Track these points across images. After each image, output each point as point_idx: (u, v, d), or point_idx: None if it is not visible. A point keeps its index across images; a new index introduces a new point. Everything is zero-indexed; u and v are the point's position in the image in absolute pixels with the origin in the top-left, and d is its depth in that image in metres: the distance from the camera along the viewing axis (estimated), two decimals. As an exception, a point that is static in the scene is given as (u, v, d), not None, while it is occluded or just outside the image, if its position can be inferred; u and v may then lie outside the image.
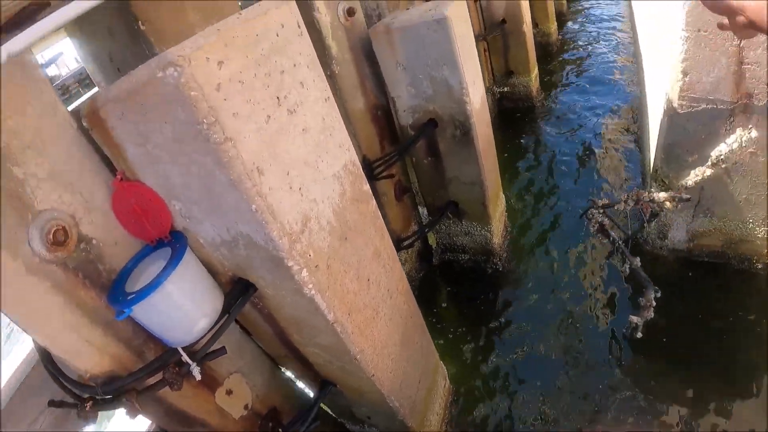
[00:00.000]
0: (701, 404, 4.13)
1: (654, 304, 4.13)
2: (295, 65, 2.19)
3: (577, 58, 11.20)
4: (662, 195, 4.19)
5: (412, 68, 4.32)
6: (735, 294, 4.84)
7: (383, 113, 4.68)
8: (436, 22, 4.01)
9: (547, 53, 11.10)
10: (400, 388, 3.27)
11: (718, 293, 4.79)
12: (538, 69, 9.48)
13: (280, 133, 2.05)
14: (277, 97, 2.07)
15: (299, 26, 2.28)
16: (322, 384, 3.26)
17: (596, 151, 7.77)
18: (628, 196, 4.41)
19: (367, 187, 2.73)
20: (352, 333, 2.57)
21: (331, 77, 4.00)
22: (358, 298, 2.64)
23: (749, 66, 3.96)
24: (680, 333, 4.55)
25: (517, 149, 8.36)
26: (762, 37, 3.82)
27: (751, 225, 4.89)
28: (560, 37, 11.85)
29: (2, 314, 1.88)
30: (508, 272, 5.83)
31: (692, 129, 4.40)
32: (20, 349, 2.74)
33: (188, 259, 2.20)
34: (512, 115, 9.22)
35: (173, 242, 2.23)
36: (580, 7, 14.77)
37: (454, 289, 5.87)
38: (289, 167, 2.10)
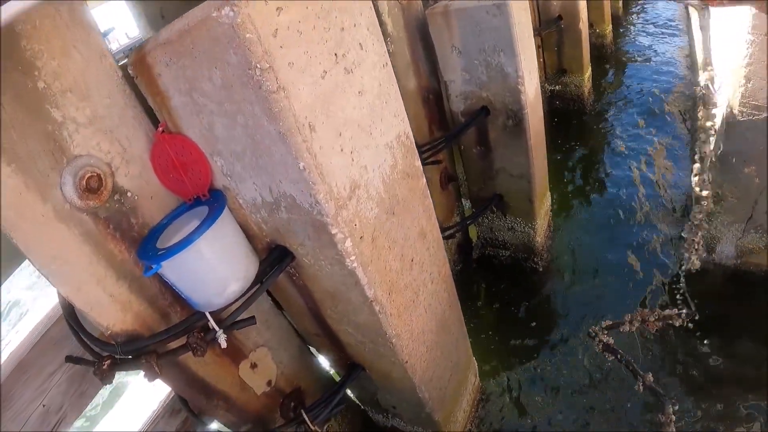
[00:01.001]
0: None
1: (674, 418, 3.93)
2: (355, 25, 2.07)
3: (632, 62, 10.96)
4: (667, 312, 3.99)
5: (468, 53, 4.18)
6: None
7: (434, 97, 4.54)
8: (496, 7, 3.87)
9: (601, 54, 10.86)
10: (431, 379, 3.14)
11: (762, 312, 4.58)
12: (592, 70, 9.28)
13: (335, 91, 1.93)
14: (335, 54, 1.94)
15: (361, -14, 2.16)
16: (351, 367, 3.15)
17: (645, 157, 7.55)
18: (632, 316, 4.21)
19: (418, 162, 2.60)
20: (390, 314, 2.44)
21: (385, 55, 3.89)
22: (400, 277, 2.51)
23: None
24: (720, 351, 4.38)
25: (565, 149, 8.18)
26: None
27: None
28: (615, 39, 11.60)
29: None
30: (548, 273, 5.68)
31: (752, 138, 4.19)
32: (44, 302, 2.68)
33: (225, 220, 2.10)
34: (562, 115, 9.03)
35: (211, 201, 2.13)
36: (635, 10, 14.51)
37: (491, 284, 5.73)
38: (342, 128, 1.97)
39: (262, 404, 2.96)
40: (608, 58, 10.94)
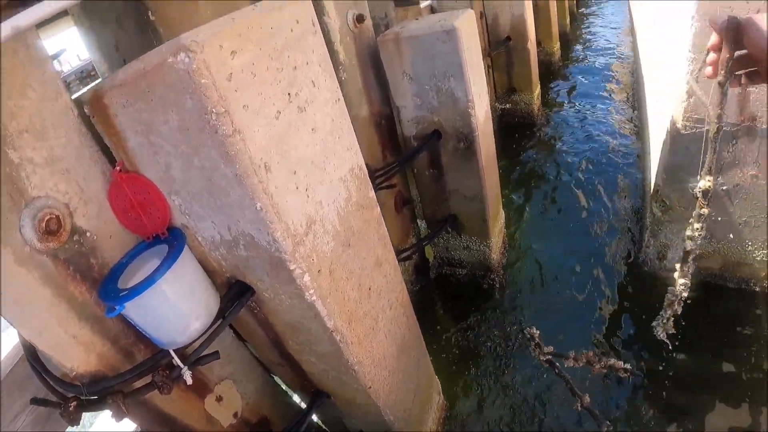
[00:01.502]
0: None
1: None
2: (308, 63, 2.13)
3: (580, 78, 11.27)
4: (613, 362, 4.08)
5: (419, 78, 4.28)
6: (733, 315, 4.84)
7: (386, 122, 4.62)
8: (445, 33, 3.98)
9: (549, 72, 11.17)
10: (395, 402, 3.19)
11: (715, 314, 4.75)
12: (541, 87, 9.52)
13: (289, 130, 1.98)
14: (288, 93, 2.00)
15: (313, 24, 2.23)
16: (315, 394, 3.17)
17: (596, 170, 7.78)
18: (576, 355, 4.30)
19: (372, 193, 2.66)
20: (351, 343, 2.49)
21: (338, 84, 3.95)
22: (359, 307, 2.56)
23: (754, 89, 3.96)
24: (679, 355, 4.52)
25: (517, 166, 8.35)
26: None
27: (750, 248, 4.89)
28: (563, 56, 11.92)
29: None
30: (506, 288, 5.78)
31: (695, 150, 4.36)
32: (6, 341, 2.65)
33: (185, 258, 2.11)
34: (513, 132, 9.23)
35: (170, 239, 2.14)
36: (583, 28, 14.92)
37: (450, 303, 5.81)
38: (297, 166, 2.02)
39: (231, 438, 2.97)
40: (557, 74, 11.24)
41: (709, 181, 2.22)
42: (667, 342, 2.75)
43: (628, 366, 3.94)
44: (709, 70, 1.49)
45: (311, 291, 2.13)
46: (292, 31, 2.04)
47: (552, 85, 11.07)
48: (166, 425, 2.56)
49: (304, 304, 2.19)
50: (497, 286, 5.73)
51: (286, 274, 2.07)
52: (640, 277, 5.52)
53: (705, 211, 2.36)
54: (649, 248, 5.35)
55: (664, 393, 4.37)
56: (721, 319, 4.79)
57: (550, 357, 4.24)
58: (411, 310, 3.38)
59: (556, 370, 4.26)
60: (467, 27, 4.19)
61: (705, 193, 2.27)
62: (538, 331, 4.36)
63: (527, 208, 7.25)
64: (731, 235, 4.81)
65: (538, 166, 8.31)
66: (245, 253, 2.12)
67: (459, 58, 4.05)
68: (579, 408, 4.07)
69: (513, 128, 9.32)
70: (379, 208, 2.74)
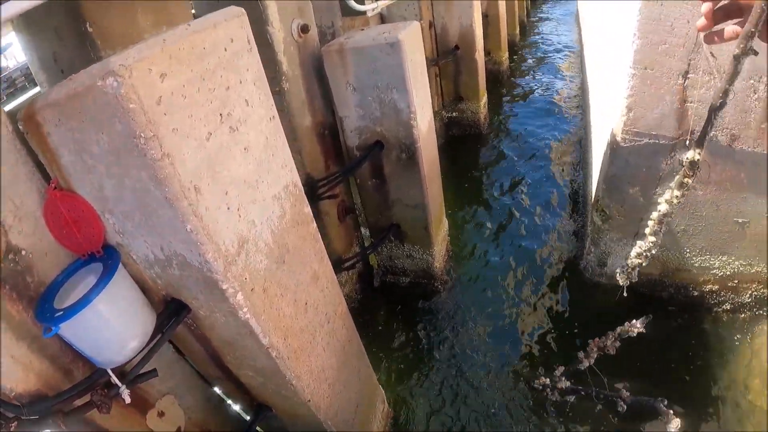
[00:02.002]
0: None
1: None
2: (241, 81, 2.15)
3: (527, 88, 11.48)
4: (620, 329, 4.19)
5: (362, 89, 4.33)
6: (672, 320, 5.03)
7: (330, 132, 4.66)
8: (389, 46, 4.04)
9: (497, 81, 11.34)
10: (336, 414, 3.22)
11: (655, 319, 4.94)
12: (488, 96, 9.67)
13: (220, 151, 2.00)
14: (220, 114, 2.02)
15: (249, 42, 2.25)
16: (258, 408, 3.19)
17: (540, 180, 7.94)
18: (586, 353, 4.38)
19: (308, 209, 2.69)
20: (288, 358, 2.52)
21: (280, 93, 3.96)
22: (295, 322, 2.59)
23: (692, 104, 4.10)
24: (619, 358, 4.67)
25: (462, 175, 8.46)
26: (706, 77, 3.94)
27: (688, 254, 5.06)
28: (511, 66, 12.12)
29: None
30: (449, 296, 5.86)
31: (634, 162, 4.53)
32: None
33: (120, 277, 2.10)
34: (459, 141, 9.36)
35: (105, 258, 2.14)
36: (533, 39, 15.20)
37: (394, 311, 5.86)
38: (228, 187, 2.05)
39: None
40: (504, 84, 11.42)
41: (698, 153, 2.31)
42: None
43: (638, 323, 4.07)
44: (702, 21, 1.39)
45: (245, 309, 2.15)
46: (226, 50, 2.06)
47: (500, 94, 11.25)
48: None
49: (239, 321, 2.21)
50: (441, 293, 5.81)
51: (219, 293, 2.09)
52: (581, 284, 5.67)
53: (688, 180, 2.46)
54: (590, 255, 5.49)
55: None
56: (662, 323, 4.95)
57: (570, 387, 4.37)
58: (350, 321, 3.42)
59: (582, 392, 4.37)
60: (412, 39, 4.26)
61: (692, 163, 2.36)
62: (547, 379, 4.47)
63: (471, 217, 7.37)
64: (669, 243, 4.97)
65: (484, 175, 8.46)
66: (179, 272, 2.13)
67: (402, 71, 4.11)
68: (624, 407, 4.18)
69: (459, 137, 9.46)
70: (315, 224, 2.77)
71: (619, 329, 4.17)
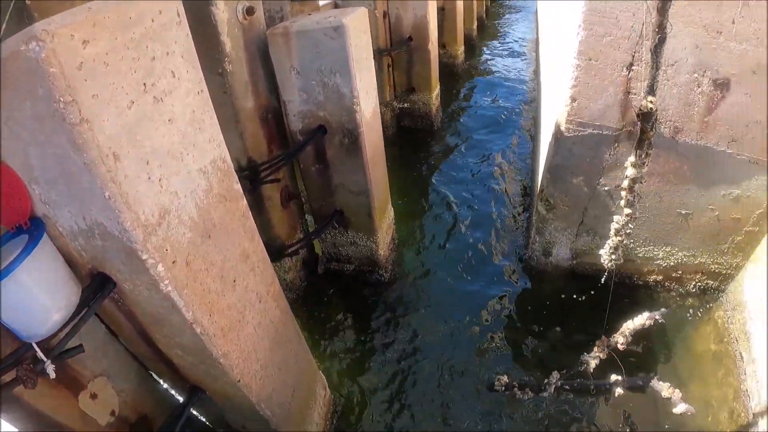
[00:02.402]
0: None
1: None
2: (168, 53, 2.15)
3: (482, 82, 11.63)
4: (632, 325, 4.12)
5: (306, 73, 4.34)
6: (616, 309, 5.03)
7: (273, 116, 4.66)
8: (333, 29, 4.07)
9: (452, 74, 11.46)
10: (271, 396, 3.23)
11: (598, 308, 5.04)
12: (443, 89, 9.77)
13: (142, 121, 2.00)
14: (144, 84, 2.01)
15: (179, 15, 2.24)
16: (192, 390, 3.16)
17: (489, 171, 8.07)
18: (599, 347, 4.29)
19: (237, 186, 2.69)
20: (214, 335, 2.52)
21: (222, 75, 3.96)
22: (222, 299, 2.59)
23: (635, 96, 4.19)
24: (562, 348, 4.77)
25: (411, 165, 8.55)
26: (648, 69, 4.05)
27: (632, 245, 5.20)
28: (467, 60, 12.24)
29: None
30: (394, 284, 5.93)
31: (578, 152, 4.63)
32: None
33: (44, 248, 2.10)
34: (410, 132, 9.45)
35: (32, 229, 2.12)
36: (491, 34, 15.36)
37: (338, 299, 5.89)
38: (150, 157, 2.04)
39: (109, 437, 2.92)
40: (459, 77, 11.54)
41: (650, 101, 2.36)
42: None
43: (657, 315, 4.10)
44: None
45: (166, 282, 2.15)
46: (153, 21, 2.05)
47: (454, 87, 11.38)
48: (41, 424, 2.51)
49: (161, 294, 2.20)
50: (385, 281, 5.85)
51: (139, 264, 2.08)
52: (526, 273, 5.79)
53: (650, 135, 2.51)
54: (535, 245, 5.60)
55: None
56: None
57: (561, 384, 4.40)
58: (285, 303, 3.42)
59: (577, 385, 4.42)
60: (357, 24, 4.29)
61: (645, 114, 2.41)
62: (504, 376, 4.51)
63: (419, 207, 7.46)
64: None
65: (433, 166, 8.55)
66: (101, 243, 2.12)
67: (346, 55, 4.14)
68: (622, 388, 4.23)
69: (410, 128, 9.54)
70: (245, 201, 2.77)
71: (632, 324, 4.12)
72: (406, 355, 5.10)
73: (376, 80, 7.78)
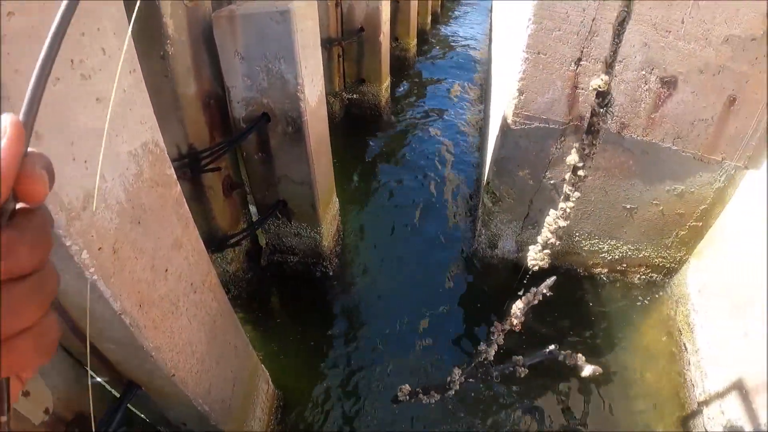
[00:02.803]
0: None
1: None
2: (99, 29, 2.06)
3: (433, 75, 11.73)
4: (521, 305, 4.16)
5: (250, 58, 4.26)
6: (559, 297, 5.16)
7: (216, 103, 4.56)
8: (279, 14, 4.00)
9: (404, 67, 11.53)
10: (209, 391, 3.17)
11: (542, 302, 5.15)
12: (394, 81, 9.84)
13: (68, 98, 1.90)
14: (71, 60, 1.93)
15: (110, -10, 2.16)
16: (127, 386, 3.05)
17: (437, 163, 8.14)
18: (500, 326, 4.29)
19: (171, 171, 2.61)
20: (145, 327, 2.44)
21: (164, 58, 3.84)
22: (153, 289, 2.51)
23: (583, 91, 4.28)
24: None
25: (359, 157, 8.55)
26: (598, 65, 4.14)
27: (577, 238, 5.35)
28: (420, 53, 12.33)
29: None
30: (339, 277, 5.91)
31: (524, 145, 4.69)
32: None
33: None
34: (359, 123, 9.45)
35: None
36: (444, 29, 15.50)
37: (282, 291, 5.86)
38: (75, 137, 1.94)
39: (44, 437, 2.81)
40: (410, 70, 11.65)
41: (604, 80, 2.35)
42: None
43: (543, 288, 4.11)
44: None
45: (91, 270, 2.07)
46: (82, -6, 1.98)
47: (405, 79, 11.45)
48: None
49: (86, 283, 2.11)
50: (330, 274, 5.83)
51: (63, 251, 1.99)
52: (473, 266, 5.84)
53: (603, 112, 2.50)
54: (481, 237, 5.66)
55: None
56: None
57: (465, 378, 4.40)
58: (223, 295, 3.35)
59: (480, 376, 4.42)
60: (305, 9, 4.22)
61: (599, 93, 2.39)
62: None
63: (366, 200, 7.45)
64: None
65: (382, 157, 8.58)
66: (24, 230, 2.02)
67: (291, 41, 4.07)
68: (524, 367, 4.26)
69: (360, 119, 9.53)
70: (179, 188, 2.69)
71: (520, 304, 4.13)
72: (351, 351, 5.09)
73: (326, 70, 7.80)
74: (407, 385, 4.42)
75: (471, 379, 4.46)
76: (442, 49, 13.78)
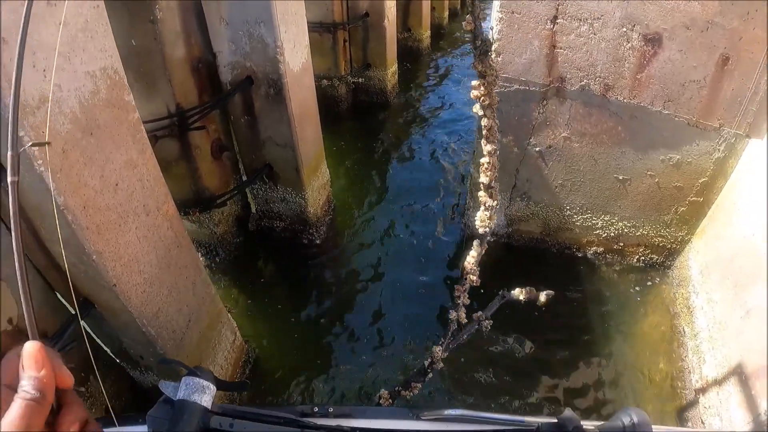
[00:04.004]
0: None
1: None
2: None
3: (444, 67, 12.16)
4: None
5: (234, 24, 4.68)
6: (554, 279, 5.37)
7: (205, 67, 4.99)
8: (259, -21, 4.34)
9: (415, 57, 12.11)
10: (157, 315, 3.49)
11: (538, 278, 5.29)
12: (405, 69, 10.45)
13: (33, 17, 2.30)
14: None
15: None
16: (82, 303, 3.38)
17: (440, 147, 8.69)
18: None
19: (130, 98, 3.00)
20: (87, 228, 2.80)
21: (153, 22, 4.30)
22: (100, 197, 2.88)
23: (562, 50, 4.43)
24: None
25: (364, 138, 9.10)
26: (575, 23, 4.26)
27: (568, 212, 5.42)
28: (433, 45, 12.77)
29: None
30: (326, 246, 6.33)
31: (505, 110, 4.84)
32: None
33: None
34: (366, 106, 10.01)
35: None
36: (462, 24, 15.95)
37: (268, 257, 6.29)
38: (37, 48, 2.36)
39: (5, 345, 3.05)
40: (422, 60, 12.11)
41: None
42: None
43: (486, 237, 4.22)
44: None
45: (39, 161, 2.45)
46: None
47: (416, 68, 11.98)
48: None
49: (35, 175, 2.50)
50: (317, 242, 6.23)
51: (19, 143, 2.43)
52: (464, 243, 6.19)
53: (477, 54, 2.79)
54: (470, 210, 5.86)
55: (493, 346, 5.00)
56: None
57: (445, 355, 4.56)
58: (182, 228, 3.72)
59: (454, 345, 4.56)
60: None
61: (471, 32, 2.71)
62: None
63: (364, 176, 7.95)
64: (547, 198, 5.30)
65: (386, 141, 9.10)
66: (-10, 124, 2.37)
67: (269, 5, 4.48)
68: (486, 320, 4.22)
69: (366, 102, 10.07)
70: (138, 115, 3.08)
71: (471, 258, 3.95)
72: (333, 320, 5.44)
73: (331, 54, 8.35)
74: (386, 391, 4.59)
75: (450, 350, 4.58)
76: (458, 42, 14.18)
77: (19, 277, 1.05)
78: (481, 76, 2.72)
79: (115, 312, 3.36)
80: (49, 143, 2.56)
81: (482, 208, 3.60)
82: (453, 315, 4.08)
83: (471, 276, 3.94)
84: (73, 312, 3.48)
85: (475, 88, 2.88)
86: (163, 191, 3.47)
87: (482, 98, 2.88)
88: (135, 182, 3.17)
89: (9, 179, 1.11)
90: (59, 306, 3.51)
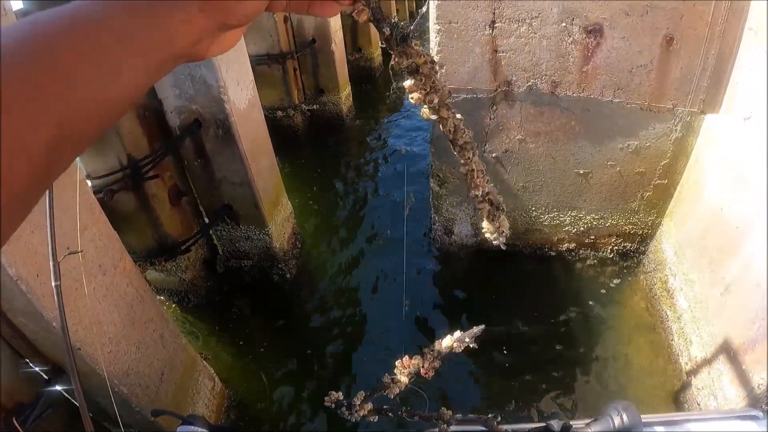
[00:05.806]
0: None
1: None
2: None
3: (397, 84, 12.20)
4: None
5: (175, 68, 4.68)
6: (529, 282, 5.47)
7: (153, 115, 4.99)
8: (193, 20, 4.42)
9: (369, 77, 12.14)
10: (127, 373, 3.47)
11: (511, 283, 5.36)
12: (358, 90, 10.44)
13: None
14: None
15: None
16: (53, 369, 3.33)
17: (397, 163, 8.84)
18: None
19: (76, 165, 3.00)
20: (42, 296, 2.78)
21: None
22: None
23: (504, 54, 4.45)
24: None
25: (322, 164, 9.12)
26: (514, 25, 4.27)
27: (534, 213, 5.40)
28: (385, 62, 12.87)
29: None
30: (297, 280, 6.28)
31: (458, 122, 4.86)
32: None
33: None
34: (322, 132, 9.99)
35: None
36: (414, 38, 16.15)
37: (240, 298, 6.22)
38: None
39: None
40: (375, 79, 12.14)
41: (363, 11, 2.70)
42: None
43: (467, 337, 4.11)
44: None
45: None
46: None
47: (369, 88, 12.05)
48: None
49: None
50: (288, 277, 6.19)
51: None
52: (433, 256, 6.17)
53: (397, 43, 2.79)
54: (436, 225, 5.85)
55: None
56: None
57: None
58: (142, 283, 3.71)
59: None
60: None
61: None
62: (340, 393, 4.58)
63: (329, 204, 7.95)
64: (512, 203, 5.28)
65: (345, 164, 9.17)
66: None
67: (206, 45, 4.49)
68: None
69: (323, 127, 10.04)
70: (81, 175, 3.05)
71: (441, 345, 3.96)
72: (307, 357, 5.43)
73: (283, 84, 8.34)
74: (335, 392, 4.52)
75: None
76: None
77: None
78: (412, 71, 2.65)
79: (85, 375, 3.28)
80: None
81: (488, 218, 3.56)
82: (387, 380, 4.00)
83: (426, 363, 3.96)
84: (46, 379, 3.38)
85: (411, 90, 2.83)
86: (118, 248, 3.44)
87: (426, 98, 2.82)
88: (87, 244, 3.13)
89: None
90: (33, 375, 3.41)
